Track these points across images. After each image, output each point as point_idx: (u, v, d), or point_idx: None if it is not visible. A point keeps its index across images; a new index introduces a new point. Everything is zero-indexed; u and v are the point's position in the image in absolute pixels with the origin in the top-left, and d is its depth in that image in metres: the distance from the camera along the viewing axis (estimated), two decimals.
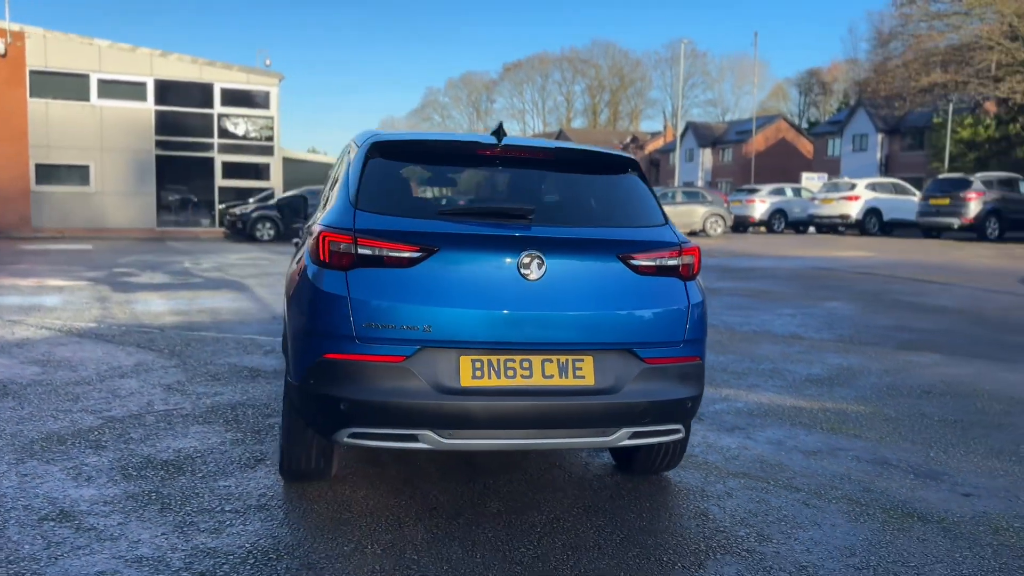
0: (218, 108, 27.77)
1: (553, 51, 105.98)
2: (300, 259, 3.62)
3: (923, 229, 24.22)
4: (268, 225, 22.85)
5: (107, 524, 3.19)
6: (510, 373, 3.09)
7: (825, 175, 41.28)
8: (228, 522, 3.25)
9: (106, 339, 7.13)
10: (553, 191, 3.66)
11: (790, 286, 11.95)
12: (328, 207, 3.58)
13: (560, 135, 73.69)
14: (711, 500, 3.65)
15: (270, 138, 28.79)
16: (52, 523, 3.19)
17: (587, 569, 2.95)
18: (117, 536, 3.08)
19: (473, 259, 3.13)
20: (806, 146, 59.80)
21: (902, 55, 39.51)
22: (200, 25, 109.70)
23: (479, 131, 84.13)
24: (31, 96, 25.57)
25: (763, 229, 29.36)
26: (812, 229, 28.48)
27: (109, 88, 26.38)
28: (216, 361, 6.28)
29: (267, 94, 28.67)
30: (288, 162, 29.72)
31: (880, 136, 47.75)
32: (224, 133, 28.04)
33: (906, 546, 3.20)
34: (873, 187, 26.51)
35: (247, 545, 3.04)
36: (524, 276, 3.12)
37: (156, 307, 9.20)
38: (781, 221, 28.99)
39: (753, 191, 30.13)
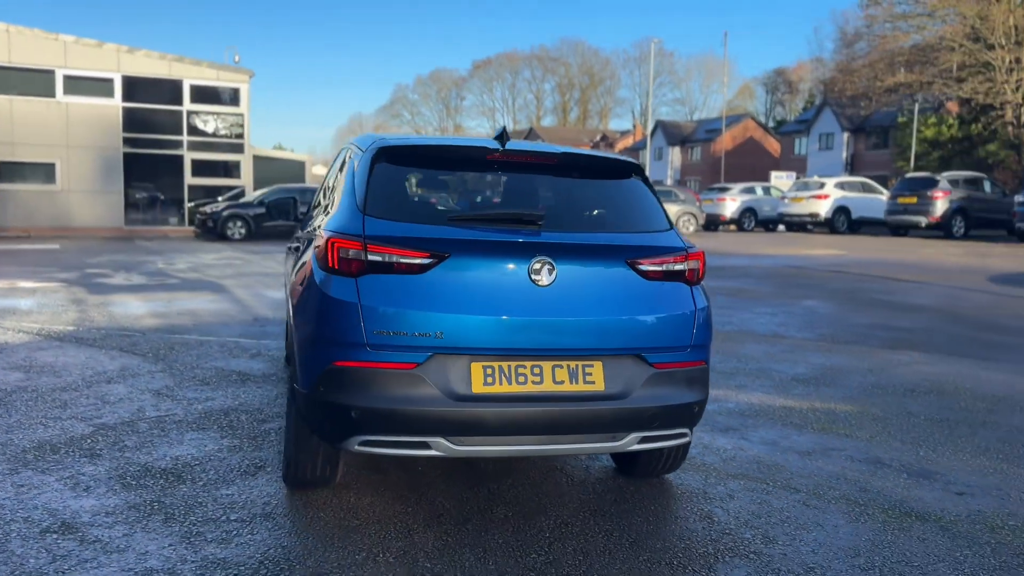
0: (187, 105, 27.36)
1: (523, 49, 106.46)
2: (304, 265, 3.58)
3: (891, 227, 24.66)
4: (239, 224, 22.55)
5: (112, 536, 3.14)
6: (521, 379, 3.10)
7: (794, 174, 41.80)
8: (235, 532, 3.21)
9: (87, 343, 7.00)
10: (559, 196, 3.67)
11: (766, 284, 12.09)
12: (331, 212, 3.54)
13: (530, 133, 73.74)
14: (714, 502, 3.69)
15: (240, 135, 28.44)
16: (55, 535, 3.13)
17: (600, 575, 2.96)
18: (124, 548, 3.04)
19: (484, 265, 3.13)
20: (773, 145, 60.50)
21: (867, 55, 40.23)
22: (169, 21, 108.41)
23: (451, 130, 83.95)
24: None
25: (734, 227, 29.65)
26: (782, 227, 28.85)
27: (75, 84, 25.86)
28: (203, 365, 6.20)
29: (237, 91, 28.31)
30: (258, 160, 29.37)
31: (846, 135, 48.46)
32: (193, 130, 27.64)
33: (908, 546, 3.27)
34: (842, 186, 26.92)
35: (257, 555, 3.01)
36: (535, 282, 3.13)
37: (135, 309, 9.05)
38: (752, 219, 29.30)
39: (724, 189, 30.42)
